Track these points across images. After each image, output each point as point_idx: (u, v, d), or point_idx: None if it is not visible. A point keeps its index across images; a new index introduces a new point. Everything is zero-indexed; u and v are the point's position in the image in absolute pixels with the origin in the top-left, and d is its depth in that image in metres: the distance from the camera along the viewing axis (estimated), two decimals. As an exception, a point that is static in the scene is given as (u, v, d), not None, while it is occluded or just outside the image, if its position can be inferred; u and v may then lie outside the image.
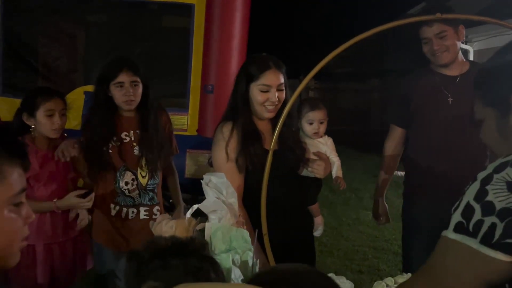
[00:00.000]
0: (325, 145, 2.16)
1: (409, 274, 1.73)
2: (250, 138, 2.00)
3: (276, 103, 2.03)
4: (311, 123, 2.14)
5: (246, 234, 1.51)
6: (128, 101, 2.38)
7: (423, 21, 2.32)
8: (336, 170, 2.20)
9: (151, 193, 2.48)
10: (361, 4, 16.98)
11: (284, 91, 2.06)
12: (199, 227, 1.55)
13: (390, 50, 12.75)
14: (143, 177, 2.44)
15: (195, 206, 1.56)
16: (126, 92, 2.36)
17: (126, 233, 2.43)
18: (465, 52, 8.78)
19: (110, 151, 2.38)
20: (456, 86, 2.41)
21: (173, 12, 5.90)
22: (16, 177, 0.99)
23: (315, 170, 2.07)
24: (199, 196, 2.08)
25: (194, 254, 1.03)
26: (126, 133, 2.43)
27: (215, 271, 1.03)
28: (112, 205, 2.42)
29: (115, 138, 2.40)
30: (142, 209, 2.45)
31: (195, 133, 5.49)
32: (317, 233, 2.27)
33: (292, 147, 2.08)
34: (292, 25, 20.76)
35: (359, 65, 14.26)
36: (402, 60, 11.17)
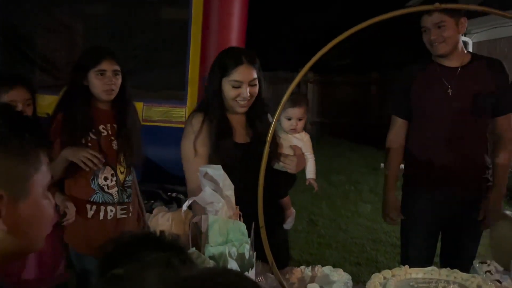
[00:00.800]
0: (301, 141, 2.13)
1: (407, 266, 1.72)
2: (220, 132, 1.99)
3: (248, 98, 2.01)
4: (289, 119, 2.11)
5: (243, 226, 1.50)
6: (108, 91, 2.28)
7: (423, 10, 2.29)
8: (310, 169, 2.17)
9: (129, 190, 2.38)
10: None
11: (257, 86, 2.04)
12: (195, 219, 1.54)
13: (389, 43, 12.71)
14: (121, 173, 2.34)
15: (192, 199, 1.55)
16: (108, 80, 2.27)
17: (105, 235, 2.21)
18: (464, 44, 8.73)
19: (89, 144, 2.26)
20: (457, 78, 2.39)
21: (172, 4, 5.86)
22: (47, 165, 1.06)
23: (287, 165, 2.05)
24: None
25: (161, 246, 1.03)
26: (103, 126, 2.32)
27: (182, 262, 1.02)
28: (88, 206, 2.27)
29: (94, 131, 2.29)
30: (119, 208, 2.33)
31: (194, 126, 5.48)
32: (287, 226, 2.26)
33: (264, 141, 2.06)
34: (292, 17, 20.67)
35: (358, 57, 14.21)
36: (401, 52, 11.13)
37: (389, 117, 2.67)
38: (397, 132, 2.58)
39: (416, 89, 2.47)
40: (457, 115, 2.40)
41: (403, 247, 2.64)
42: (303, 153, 2.13)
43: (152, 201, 5.38)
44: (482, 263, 1.83)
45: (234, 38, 5.37)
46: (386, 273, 1.68)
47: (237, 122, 2.08)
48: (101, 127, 2.32)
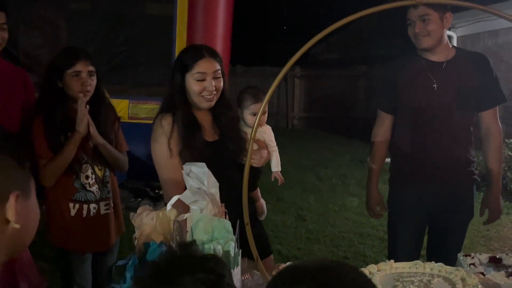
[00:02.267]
0: (263, 134, 2.15)
1: (392, 261, 1.73)
2: (191, 131, 1.98)
3: (214, 92, 2.00)
4: (254, 115, 2.11)
5: (228, 224, 1.49)
6: (84, 92, 2.30)
7: (406, 5, 2.30)
8: (275, 162, 2.19)
9: (108, 185, 2.43)
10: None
11: (222, 80, 2.04)
12: (180, 218, 1.53)
13: (376, 36, 12.75)
14: (99, 169, 2.39)
15: (177, 197, 1.54)
16: (84, 81, 2.30)
17: (89, 232, 2.35)
18: (449, 38, 8.79)
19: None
20: (442, 72, 2.40)
21: (156, 0, 5.82)
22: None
23: (252, 160, 2.05)
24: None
25: (203, 270, 0.99)
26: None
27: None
28: (71, 204, 2.33)
29: (72, 131, 2.30)
30: (102, 204, 2.38)
31: (180, 122, 5.45)
32: (261, 217, 2.30)
33: (232, 137, 2.07)
34: (279, 12, 20.63)
35: (346, 51, 14.23)
36: (389, 46, 11.17)
37: (375, 111, 2.67)
38: (383, 126, 2.58)
39: (402, 83, 2.48)
40: (443, 109, 2.41)
41: (390, 241, 2.65)
42: (266, 145, 2.15)
43: (140, 199, 5.36)
44: (466, 256, 1.85)
45: (220, 33, 5.35)
46: (372, 268, 1.68)
47: (204, 120, 2.07)
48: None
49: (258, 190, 2.30)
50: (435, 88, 2.39)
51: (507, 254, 1.86)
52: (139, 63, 5.69)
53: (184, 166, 1.57)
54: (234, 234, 1.49)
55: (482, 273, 1.69)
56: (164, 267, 0.98)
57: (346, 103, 12.33)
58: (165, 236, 1.53)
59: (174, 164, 1.95)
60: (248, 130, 2.12)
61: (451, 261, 1.89)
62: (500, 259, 1.83)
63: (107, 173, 2.42)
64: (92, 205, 2.36)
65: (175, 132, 1.98)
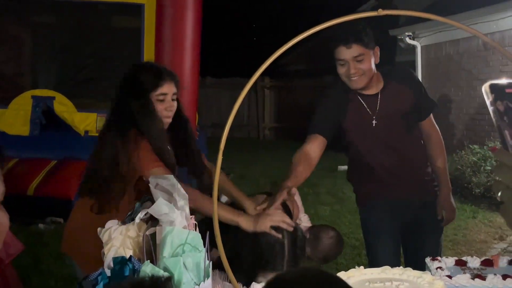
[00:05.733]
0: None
1: (362, 267, 1.75)
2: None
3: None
4: None
5: (197, 236, 1.49)
6: (168, 116, 2.12)
7: (341, 40, 2.27)
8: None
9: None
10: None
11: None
12: (149, 231, 1.51)
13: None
14: None
15: (145, 211, 1.52)
16: (169, 105, 2.11)
17: None
18: (413, 48, 9.02)
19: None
20: (378, 104, 2.42)
21: (123, 12, 5.80)
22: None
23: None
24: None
25: None
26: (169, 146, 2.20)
27: None
28: None
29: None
30: None
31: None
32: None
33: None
34: (248, 23, 20.80)
35: (313, 62, 14.43)
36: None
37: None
38: (319, 148, 2.50)
39: (342, 115, 2.46)
40: (388, 136, 2.43)
41: (371, 260, 2.61)
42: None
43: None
44: (433, 259, 1.89)
45: (189, 45, 5.35)
46: (342, 274, 1.70)
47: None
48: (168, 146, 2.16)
49: None
50: (374, 123, 2.41)
51: (472, 257, 1.91)
52: (107, 76, 5.64)
53: (149, 179, 1.56)
54: (205, 246, 1.48)
55: (449, 276, 1.73)
56: None
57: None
58: (134, 251, 1.52)
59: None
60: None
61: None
62: (465, 262, 1.88)
63: None
64: None
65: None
